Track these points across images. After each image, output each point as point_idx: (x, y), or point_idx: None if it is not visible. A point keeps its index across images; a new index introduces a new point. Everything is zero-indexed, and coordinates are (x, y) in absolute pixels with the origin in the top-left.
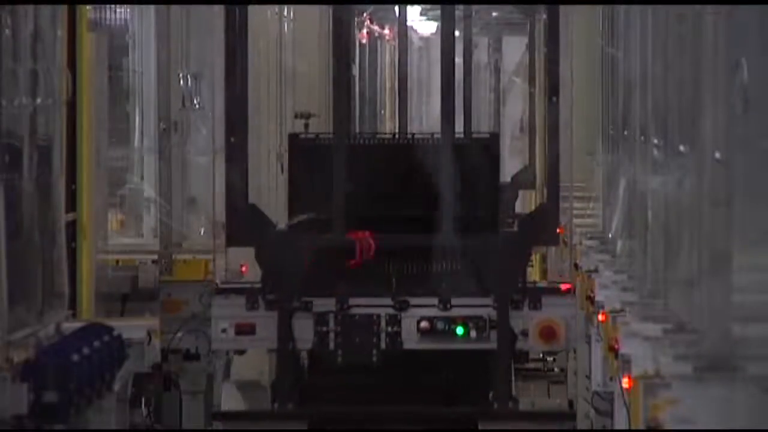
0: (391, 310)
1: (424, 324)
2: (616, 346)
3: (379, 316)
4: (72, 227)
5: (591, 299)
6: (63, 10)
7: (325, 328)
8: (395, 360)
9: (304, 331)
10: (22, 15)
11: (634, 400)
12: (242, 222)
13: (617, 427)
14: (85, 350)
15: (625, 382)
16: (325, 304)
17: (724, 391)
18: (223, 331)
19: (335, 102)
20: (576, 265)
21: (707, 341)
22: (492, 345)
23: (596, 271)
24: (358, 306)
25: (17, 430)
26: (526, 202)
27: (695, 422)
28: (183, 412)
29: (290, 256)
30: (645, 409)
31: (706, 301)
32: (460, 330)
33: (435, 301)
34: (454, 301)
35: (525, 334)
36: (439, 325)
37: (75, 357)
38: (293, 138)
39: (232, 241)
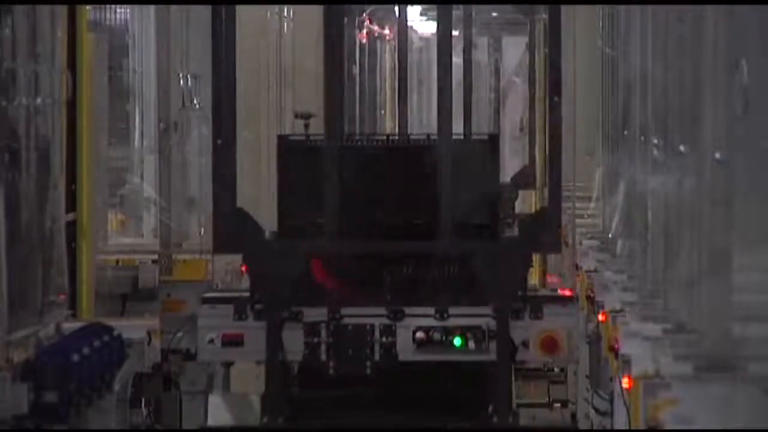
0: (385, 320)
1: (420, 334)
2: (616, 346)
3: (372, 326)
4: (72, 227)
5: (591, 299)
6: (63, 10)
7: (316, 339)
8: (390, 372)
9: (294, 342)
10: (21, 15)
11: (634, 400)
12: (229, 228)
13: (617, 427)
14: (85, 350)
15: (625, 382)
16: (316, 314)
17: (724, 391)
18: (210, 342)
19: (326, 102)
20: (576, 265)
21: (707, 341)
22: (491, 356)
23: (596, 271)
24: (350, 316)
25: (17, 430)
26: (526, 202)
27: (695, 422)
28: (183, 412)
29: (280, 264)
30: (645, 409)
31: (706, 301)
32: (457, 341)
33: (431, 310)
34: (452, 310)
35: (526, 344)
36: (436, 336)
37: (75, 357)
38: (282, 139)
39: (218, 247)
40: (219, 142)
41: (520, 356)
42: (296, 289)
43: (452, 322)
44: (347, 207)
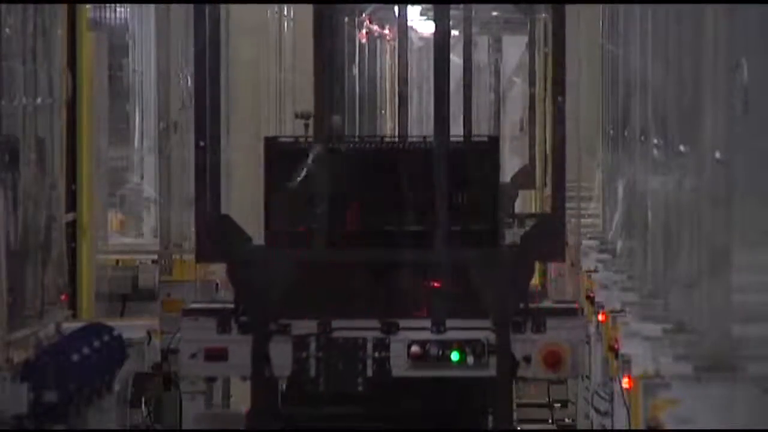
0: (378, 334)
1: (415, 349)
2: (616, 346)
3: (365, 339)
4: (72, 227)
5: (591, 299)
6: (63, 9)
7: (305, 354)
8: (383, 388)
9: (282, 356)
10: (22, 15)
11: (634, 400)
12: (213, 235)
13: (617, 427)
14: (85, 350)
15: (625, 382)
16: (305, 327)
17: (724, 391)
18: (193, 356)
19: (316, 104)
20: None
21: (707, 341)
22: (491, 372)
23: (596, 271)
24: (341, 329)
25: (17, 430)
26: (526, 202)
27: (695, 422)
28: (183, 412)
29: (266, 274)
30: (645, 409)
31: (706, 301)
32: (455, 355)
33: (427, 323)
34: (449, 323)
35: (527, 359)
36: (432, 350)
37: (75, 357)
38: (269, 142)
39: (201, 256)
40: (201, 144)
41: (522, 372)
42: (284, 301)
43: (449, 335)
44: (338, 213)
